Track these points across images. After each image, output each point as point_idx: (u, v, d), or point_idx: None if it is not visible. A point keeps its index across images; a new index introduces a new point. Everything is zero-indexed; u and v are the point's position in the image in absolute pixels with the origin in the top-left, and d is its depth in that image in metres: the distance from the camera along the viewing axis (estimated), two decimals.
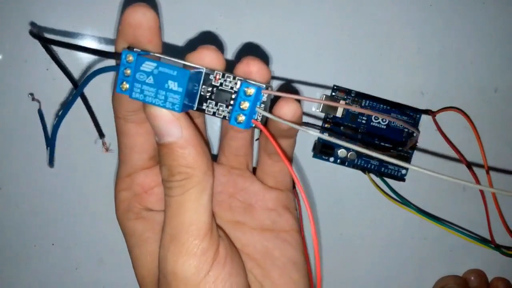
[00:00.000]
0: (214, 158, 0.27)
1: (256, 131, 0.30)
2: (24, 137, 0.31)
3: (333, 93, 0.32)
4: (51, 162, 0.25)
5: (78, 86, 0.20)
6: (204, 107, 0.20)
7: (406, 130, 0.33)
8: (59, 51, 0.30)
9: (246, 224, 0.25)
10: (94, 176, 0.32)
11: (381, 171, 0.33)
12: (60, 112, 0.22)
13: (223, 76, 0.19)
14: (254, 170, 0.27)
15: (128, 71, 0.18)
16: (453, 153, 0.33)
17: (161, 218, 0.22)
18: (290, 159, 0.26)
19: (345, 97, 0.32)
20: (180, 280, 0.20)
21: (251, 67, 0.20)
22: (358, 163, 0.33)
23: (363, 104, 0.32)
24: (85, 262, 0.33)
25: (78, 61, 0.31)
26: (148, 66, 0.18)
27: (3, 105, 0.31)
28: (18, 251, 0.33)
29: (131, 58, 0.18)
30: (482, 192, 0.33)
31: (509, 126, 0.35)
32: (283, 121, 0.19)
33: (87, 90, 0.31)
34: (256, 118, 0.20)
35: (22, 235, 0.33)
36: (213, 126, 0.32)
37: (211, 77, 0.19)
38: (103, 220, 0.33)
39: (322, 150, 0.33)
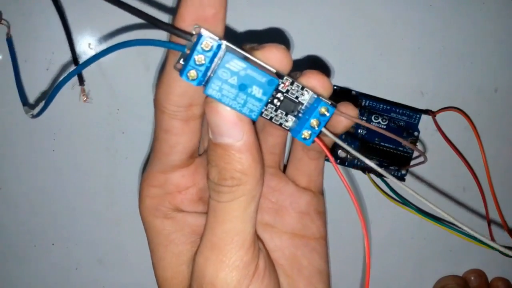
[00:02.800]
0: None
1: None
2: (24, 137, 0.31)
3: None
4: (38, 115, 0.23)
5: (102, 51, 0.17)
6: (272, 115, 0.18)
7: (406, 130, 0.33)
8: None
9: (276, 227, 0.24)
10: (94, 176, 0.32)
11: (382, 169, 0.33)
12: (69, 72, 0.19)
13: (292, 83, 0.17)
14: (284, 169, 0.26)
15: (202, 59, 0.16)
16: (453, 153, 0.33)
17: (193, 220, 0.21)
18: (325, 157, 0.25)
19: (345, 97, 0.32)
20: None
21: (316, 82, 0.18)
22: (358, 163, 0.33)
23: (363, 104, 0.32)
24: (85, 262, 0.33)
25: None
26: (236, 65, 0.16)
27: (3, 105, 0.31)
28: (18, 251, 0.33)
29: (208, 45, 0.16)
30: (482, 192, 0.33)
31: (509, 126, 0.35)
32: (334, 137, 0.18)
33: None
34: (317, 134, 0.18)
35: (22, 235, 0.33)
36: None
37: (280, 81, 0.17)
38: (103, 220, 0.33)
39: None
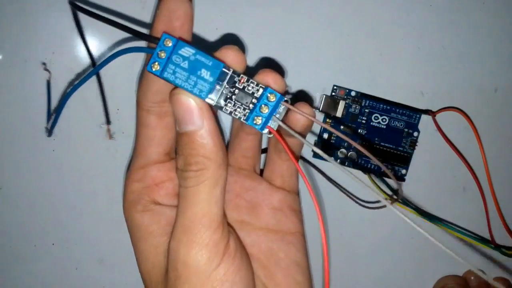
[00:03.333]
0: None
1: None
2: (24, 137, 0.31)
3: (333, 93, 0.32)
4: (50, 132, 0.26)
5: (100, 63, 0.21)
6: (222, 105, 0.20)
7: (406, 130, 0.33)
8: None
9: (252, 224, 0.25)
10: (94, 176, 0.32)
11: (381, 171, 0.33)
12: (73, 85, 0.23)
13: (247, 80, 0.20)
14: (261, 173, 0.27)
15: (163, 54, 0.19)
16: (453, 153, 0.33)
17: (169, 213, 0.23)
18: (298, 157, 0.27)
19: (345, 97, 0.32)
20: (191, 271, 0.20)
21: (269, 79, 0.21)
22: (358, 163, 0.33)
23: (363, 104, 0.32)
24: (85, 262, 0.33)
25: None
26: (186, 51, 0.19)
27: (3, 105, 0.31)
28: (18, 251, 0.33)
29: (169, 42, 0.19)
30: (482, 192, 0.33)
31: (509, 126, 0.35)
32: (294, 133, 0.21)
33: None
34: (270, 124, 0.21)
35: (22, 235, 0.33)
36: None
37: (236, 79, 0.20)
38: (103, 220, 0.33)
39: (322, 150, 0.33)
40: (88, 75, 0.22)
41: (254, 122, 0.20)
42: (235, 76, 0.20)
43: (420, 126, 0.33)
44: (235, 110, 0.20)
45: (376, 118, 0.33)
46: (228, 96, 0.20)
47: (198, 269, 0.20)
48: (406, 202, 0.33)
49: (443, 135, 0.33)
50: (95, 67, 0.22)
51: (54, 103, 0.31)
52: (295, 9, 0.32)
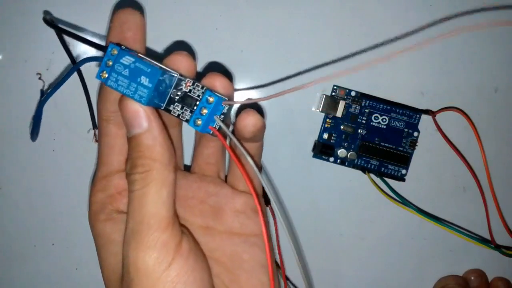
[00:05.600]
0: (187, 168, 0.28)
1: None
2: (24, 137, 0.31)
3: (333, 93, 0.32)
4: (34, 137, 0.27)
5: (63, 77, 0.23)
6: (171, 108, 0.21)
7: (406, 130, 0.33)
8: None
9: (216, 229, 0.25)
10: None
11: (381, 171, 0.33)
12: (49, 90, 0.24)
13: (193, 84, 0.21)
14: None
15: (110, 63, 0.21)
16: (453, 153, 0.33)
17: None
18: (258, 162, 0.27)
19: (345, 97, 0.32)
20: (141, 273, 0.20)
21: (216, 82, 0.22)
22: (358, 163, 0.33)
23: (363, 104, 0.32)
24: (85, 262, 0.33)
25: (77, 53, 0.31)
26: (127, 60, 0.20)
27: (3, 105, 0.31)
28: (18, 251, 0.33)
29: (115, 51, 0.21)
30: (482, 192, 0.33)
31: (509, 126, 0.35)
32: (229, 133, 0.21)
33: (89, 83, 0.31)
34: (214, 126, 0.22)
35: (22, 235, 0.33)
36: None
37: (183, 83, 0.21)
38: None
39: (322, 150, 0.33)
40: (55, 87, 0.23)
41: (195, 124, 0.21)
42: (182, 79, 0.21)
43: (420, 126, 0.33)
44: (182, 112, 0.21)
45: (376, 118, 0.33)
46: (176, 100, 0.21)
47: (147, 271, 0.20)
48: (406, 202, 0.33)
49: (443, 135, 0.33)
50: (59, 81, 0.23)
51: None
52: (295, 9, 0.32)
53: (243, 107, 0.31)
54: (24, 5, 0.30)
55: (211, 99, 0.21)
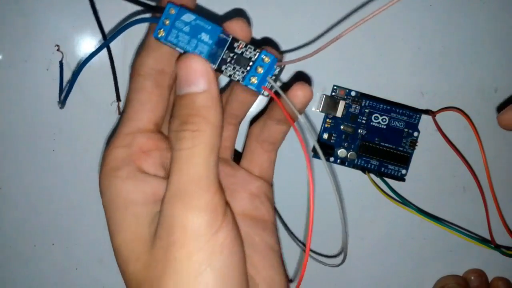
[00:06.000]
0: None
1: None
2: (24, 137, 0.31)
3: (333, 93, 0.32)
4: (63, 104, 0.27)
5: (112, 35, 0.23)
6: (223, 69, 0.22)
7: (406, 130, 0.33)
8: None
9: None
10: (94, 177, 0.32)
11: (381, 171, 0.33)
12: (85, 58, 0.24)
13: (245, 46, 0.22)
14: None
15: (167, 21, 0.21)
16: (453, 153, 0.33)
17: (155, 182, 0.21)
18: (277, 148, 0.27)
19: (345, 97, 0.32)
20: (189, 234, 0.19)
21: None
22: (358, 163, 0.33)
23: (363, 104, 0.32)
24: (85, 262, 0.33)
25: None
26: (187, 17, 0.21)
27: (3, 105, 0.31)
28: (18, 251, 0.33)
29: (173, 11, 0.21)
30: (482, 192, 0.33)
31: None
32: (284, 96, 0.22)
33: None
34: (266, 85, 0.22)
35: (22, 235, 0.33)
36: None
37: (235, 45, 0.22)
38: (103, 220, 0.33)
39: (322, 150, 0.33)
40: (100, 47, 0.23)
41: (250, 81, 0.22)
42: (235, 42, 0.22)
43: (420, 126, 0.33)
44: (234, 73, 0.22)
45: (376, 118, 0.33)
46: (228, 61, 0.22)
47: (197, 233, 0.19)
48: (406, 202, 0.33)
49: (443, 135, 0.33)
50: (103, 42, 0.24)
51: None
52: (295, 9, 0.32)
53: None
54: (24, 5, 0.30)
55: (266, 59, 0.22)
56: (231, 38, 0.22)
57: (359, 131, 0.33)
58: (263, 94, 0.22)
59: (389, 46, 0.33)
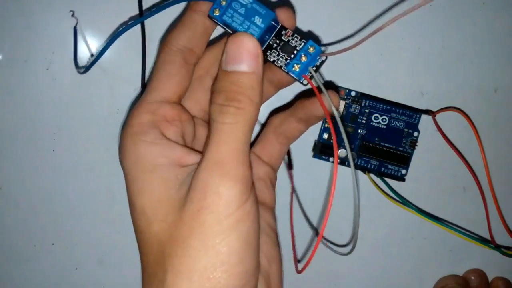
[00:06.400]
0: None
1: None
2: (24, 138, 0.31)
3: None
4: (87, 69, 0.27)
5: (151, 11, 0.24)
6: (267, 54, 0.23)
7: (406, 130, 0.33)
8: None
9: None
10: (94, 176, 0.32)
11: (381, 171, 0.33)
12: (119, 30, 0.25)
13: (292, 35, 0.23)
14: None
15: (224, 2, 0.23)
16: (453, 153, 0.33)
17: (180, 149, 0.23)
18: (291, 143, 0.28)
19: (345, 97, 0.32)
20: (222, 201, 0.20)
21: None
22: (358, 163, 0.33)
23: (363, 104, 0.32)
24: (85, 262, 0.33)
25: None
26: (244, 0, 0.23)
27: (3, 105, 0.31)
28: (18, 251, 0.33)
29: None
30: (482, 192, 0.33)
31: (509, 126, 0.35)
32: (323, 87, 0.23)
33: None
34: (307, 75, 0.23)
35: (22, 235, 0.33)
36: None
37: (283, 32, 0.23)
38: (103, 220, 0.33)
39: (322, 150, 0.33)
40: (136, 21, 0.25)
41: (293, 68, 0.23)
42: (283, 29, 0.23)
43: (420, 126, 0.33)
44: (277, 59, 0.23)
45: (376, 118, 0.33)
46: (274, 47, 0.23)
47: (230, 200, 0.20)
48: (406, 202, 0.33)
49: (443, 135, 0.33)
50: (143, 15, 0.26)
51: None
52: (295, 9, 0.32)
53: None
54: (24, 5, 0.30)
55: (311, 49, 0.23)
56: (280, 25, 0.23)
57: (359, 131, 0.33)
58: (302, 82, 0.23)
59: (389, 46, 0.33)
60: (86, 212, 0.33)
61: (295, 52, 0.23)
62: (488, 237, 0.33)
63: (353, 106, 0.32)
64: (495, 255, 0.33)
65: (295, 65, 0.23)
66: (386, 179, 0.33)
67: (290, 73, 0.23)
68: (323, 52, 0.23)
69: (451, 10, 0.33)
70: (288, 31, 0.23)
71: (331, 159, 0.33)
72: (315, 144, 0.33)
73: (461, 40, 0.33)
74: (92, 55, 0.31)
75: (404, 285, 0.36)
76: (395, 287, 0.36)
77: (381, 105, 0.33)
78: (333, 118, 0.23)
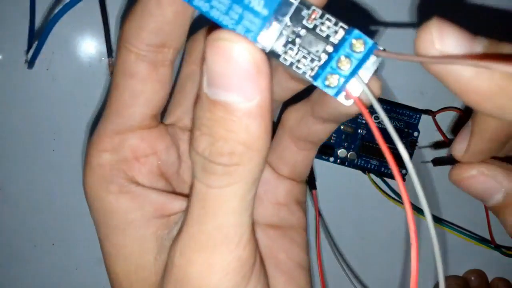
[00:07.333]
0: None
1: None
2: (24, 138, 0.31)
3: None
4: (31, 64, 0.20)
5: None
6: (280, 52, 0.13)
7: (406, 130, 0.33)
8: None
9: None
10: None
11: (381, 171, 0.33)
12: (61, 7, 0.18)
13: (322, 16, 0.13)
14: None
15: None
16: None
17: (155, 198, 0.17)
18: (318, 146, 0.21)
19: None
20: None
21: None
22: (358, 163, 0.33)
23: None
24: (85, 262, 0.33)
25: None
26: None
27: (3, 105, 0.31)
28: (18, 251, 0.33)
29: None
30: None
31: None
32: (379, 108, 0.14)
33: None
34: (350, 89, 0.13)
35: (22, 235, 0.33)
36: None
37: (305, 13, 0.13)
38: None
39: (322, 150, 0.33)
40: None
41: (327, 82, 0.13)
42: (304, 8, 0.13)
43: (420, 126, 0.33)
44: (298, 61, 0.13)
45: (376, 118, 0.33)
46: (290, 39, 0.13)
47: None
48: None
49: (443, 135, 0.33)
50: None
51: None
52: None
53: None
54: (24, 5, 0.30)
55: (358, 45, 0.13)
56: (298, 1, 0.13)
57: (359, 131, 0.33)
58: (346, 103, 0.14)
59: (389, 46, 0.33)
60: (86, 212, 0.33)
61: (328, 48, 0.13)
62: (488, 237, 0.33)
63: None
64: (495, 255, 0.33)
65: (329, 76, 0.13)
66: (386, 179, 0.33)
67: (322, 89, 0.13)
68: (377, 48, 0.13)
69: (451, 9, 0.33)
70: (314, 10, 0.13)
71: (331, 159, 0.33)
72: None
73: None
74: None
75: (404, 285, 0.36)
76: (395, 287, 0.36)
77: (381, 105, 0.33)
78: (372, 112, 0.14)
